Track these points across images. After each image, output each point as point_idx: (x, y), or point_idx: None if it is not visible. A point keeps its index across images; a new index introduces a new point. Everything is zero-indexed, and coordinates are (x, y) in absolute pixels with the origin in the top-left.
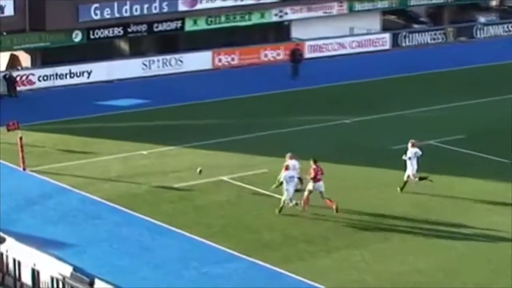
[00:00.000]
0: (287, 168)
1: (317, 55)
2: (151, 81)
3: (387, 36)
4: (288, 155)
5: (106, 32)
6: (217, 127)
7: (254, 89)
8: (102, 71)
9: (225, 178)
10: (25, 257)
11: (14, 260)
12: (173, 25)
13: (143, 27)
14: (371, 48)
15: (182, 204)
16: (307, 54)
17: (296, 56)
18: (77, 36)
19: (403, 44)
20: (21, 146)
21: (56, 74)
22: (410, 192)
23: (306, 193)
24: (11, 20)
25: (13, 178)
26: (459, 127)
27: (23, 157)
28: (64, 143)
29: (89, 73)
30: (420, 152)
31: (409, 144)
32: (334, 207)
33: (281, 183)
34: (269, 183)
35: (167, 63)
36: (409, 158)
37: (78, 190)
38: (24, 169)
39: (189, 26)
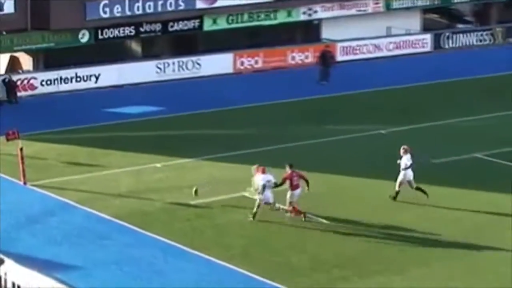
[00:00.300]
0: (264, 171)
1: (350, 57)
2: (166, 86)
3: (428, 37)
4: (256, 165)
5: (116, 32)
6: (239, 137)
7: (279, 95)
8: (111, 75)
9: (247, 194)
10: (25, 280)
11: (13, 284)
12: (190, 24)
13: (157, 27)
14: (410, 50)
15: (199, 223)
16: (339, 57)
17: (326, 58)
18: (84, 36)
19: (446, 46)
20: (22, 158)
21: (61, 78)
22: (450, 208)
23: (288, 206)
24: (12, 18)
25: (12, 193)
26: (508, 138)
27: (23, 170)
28: (68, 154)
29: (97, 77)
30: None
31: (402, 151)
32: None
33: (264, 188)
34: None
35: (184, 67)
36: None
37: (84, 206)
38: (24, 183)
39: (208, 25)
